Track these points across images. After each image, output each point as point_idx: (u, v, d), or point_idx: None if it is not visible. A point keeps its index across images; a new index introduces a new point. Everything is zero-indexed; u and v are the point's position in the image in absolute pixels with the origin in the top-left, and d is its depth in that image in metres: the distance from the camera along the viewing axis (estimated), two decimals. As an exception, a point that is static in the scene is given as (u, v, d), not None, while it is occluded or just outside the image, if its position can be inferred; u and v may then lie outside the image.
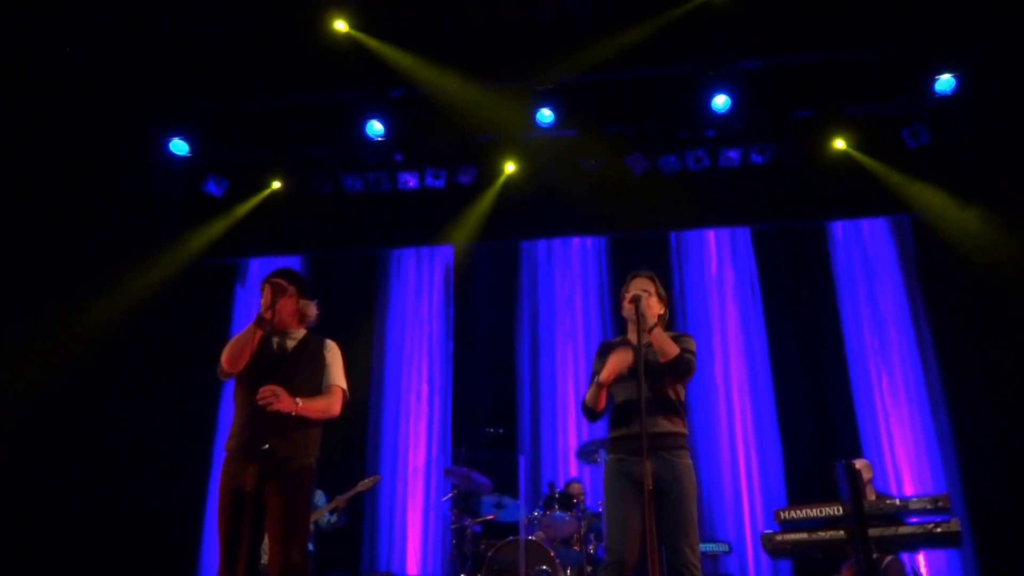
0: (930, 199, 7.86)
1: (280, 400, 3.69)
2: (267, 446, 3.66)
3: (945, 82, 7.30)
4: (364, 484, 6.67)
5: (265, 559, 5.82)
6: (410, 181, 8.30)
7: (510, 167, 8.34)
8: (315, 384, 3.94)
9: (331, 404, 3.92)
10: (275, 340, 3.95)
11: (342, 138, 8.00)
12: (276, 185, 8.45)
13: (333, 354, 4.05)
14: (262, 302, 3.92)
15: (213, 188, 8.27)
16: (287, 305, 3.98)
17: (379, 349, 8.47)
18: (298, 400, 3.76)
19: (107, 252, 7.98)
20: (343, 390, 4.01)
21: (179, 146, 7.96)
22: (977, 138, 7.69)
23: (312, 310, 4.11)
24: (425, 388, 8.46)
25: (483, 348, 8.49)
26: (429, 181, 8.29)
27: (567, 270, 8.70)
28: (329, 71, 7.53)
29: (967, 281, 7.71)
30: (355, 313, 8.28)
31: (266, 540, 5.02)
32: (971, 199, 7.72)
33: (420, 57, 7.43)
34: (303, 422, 3.80)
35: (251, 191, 8.42)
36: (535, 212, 8.44)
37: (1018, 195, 7.47)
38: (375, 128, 7.80)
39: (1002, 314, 7.50)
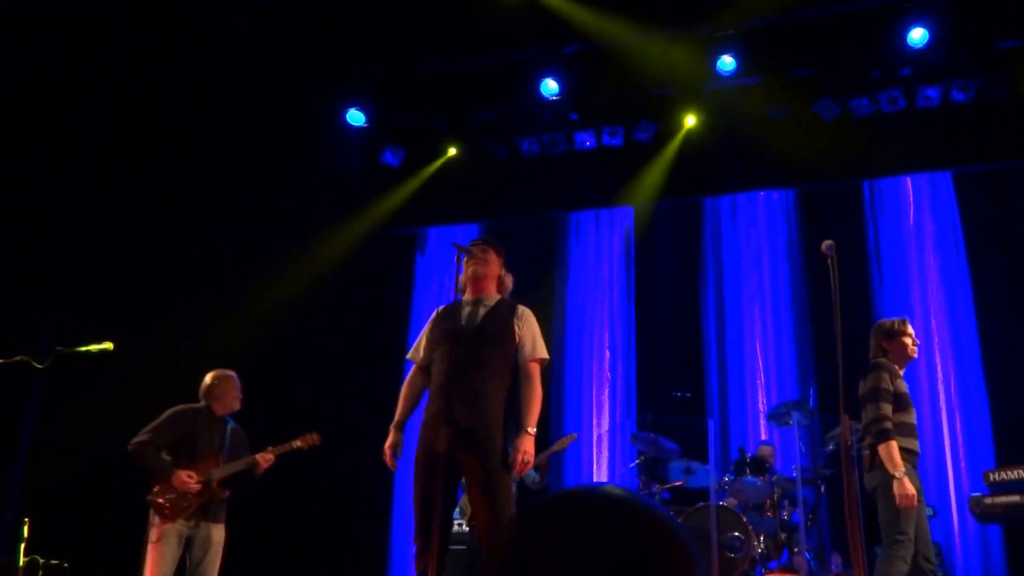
0: None
1: (530, 455, 4.00)
2: (455, 415, 3.90)
3: None
4: (561, 443, 6.96)
5: (458, 525, 6.40)
6: (587, 141, 8.56)
7: (690, 120, 8.44)
8: (504, 355, 4.11)
9: (535, 390, 4.13)
10: (467, 308, 4.19)
11: (516, 100, 8.36)
12: (452, 152, 8.89)
13: (527, 323, 4.20)
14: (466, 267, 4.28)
15: (390, 158, 8.80)
16: (491, 269, 4.25)
17: (560, 315, 8.83)
18: (528, 429, 4.03)
19: (289, 226, 8.63)
20: (539, 361, 4.19)
21: (356, 117, 8.49)
22: None
23: (510, 282, 4.37)
24: (607, 354, 8.78)
25: (666, 311, 8.72)
26: (606, 140, 8.52)
27: (753, 226, 8.79)
28: (501, 30, 7.82)
29: None
30: (535, 279, 8.48)
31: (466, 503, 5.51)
32: None
33: (594, 9, 7.61)
34: (495, 391, 4.03)
35: (427, 159, 8.90)
36: (718, 167, 8.55)
37: None
38: (550, 87, 8.06)
39: None
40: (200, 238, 8.47)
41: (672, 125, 8.51)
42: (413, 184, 8.90)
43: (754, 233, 8.76)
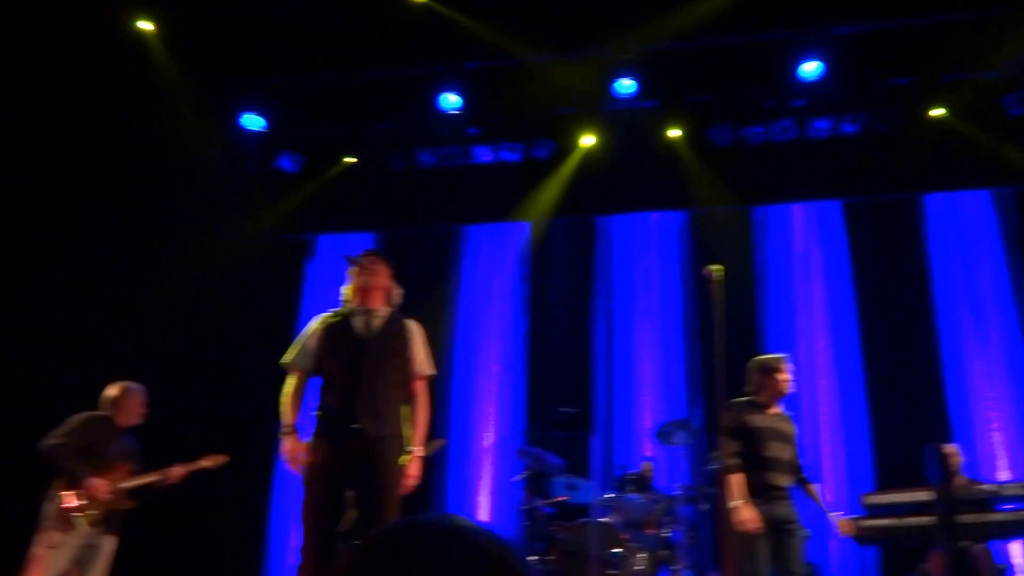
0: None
1: (417, 479, 4.11)
2: (359, 425, 3.93)
3: (1052, 46, 7.35)
4: (427, 448, 6.95)
5: None
6: (485, 155, 8.73)
7: (588, 140, 8.65)
8: (402, 366, 4.19)
9: (424, 408, 4.28)
10: (360, 319, 4.21)
11: (416, 112, 8.42)
12: (349, 161, 8.94)
13: (417, 337, 4.31)
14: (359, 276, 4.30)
15: (287, 164, 8.82)
16: (380, 280, 4.30)
17: (450, 327, 8.87)
18: (414, 449, 4.13)
19: (179, 229, 8.53)
20: (427, 378, 4.32)
21: (253, 121, 8.48)
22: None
23: (398, 295, 4.42)
24: (497, 367, 8.88)
25: (558, 327, 8.87)
26: (504, 155, 8.71)
27: (646, 247, 9.00)
28: (404, 43, 7.92)
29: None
30: (427, 291, 8.58)
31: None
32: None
33: (496, 26, 7.73)
34: (395, 402, 4.09)
35: (325, 166, 8.93)
36: (613, 187, 8.76)
37: None
38: (450, 101, 8.18)
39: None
40: (87, 239, 8.34)
41: (570, 144, 8.71)
42: (308, 190, 8.89)
43: (647, 253, 8.99)
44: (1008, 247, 8.23)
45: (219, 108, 8.36)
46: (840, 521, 5.02)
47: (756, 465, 4.84)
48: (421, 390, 4.28)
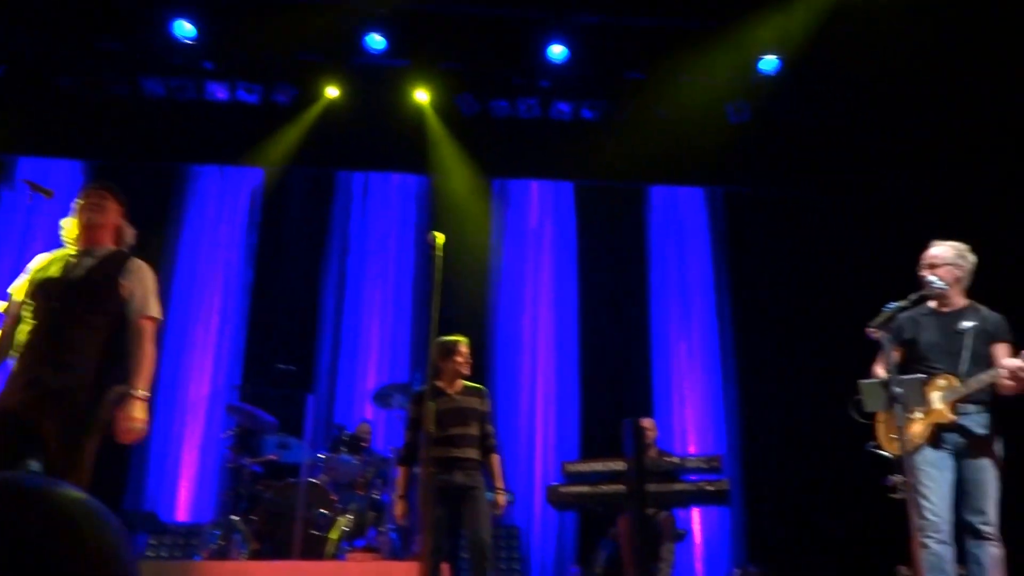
0: (744, 174, 8.64)
1: (139, 422, 3.74)
2: (39, 376, 3.61)
3: (768, 62, 8.03)
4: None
5: None
6: (219, 92, 8.21)
7: (333, 91, 8.40)
8: (104, 310, 3.81)
9: (146, 348, 3.88)
10: (72, 260, 3.85)
11: (144, 35, 7.79)
12: (61, 78, 8.07)
13: (137, 277, 3.92)
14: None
15: (-18, 72, 7.79)
16: (108, 218, 3.93)
17: (166, 272, 8.29)
18: (137, 391, 3.76)
19: None
20: (150, 319, 3.92)
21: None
22: (796, 118, 8.48)
23: (131, 235, 4.07)
24: (216, 318, 8.47)
25: (286, 281, 8.60)
26: (241, 95, 8.25)
27: (384, 207, 8.94)
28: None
29: (772, 258, 8.57)
30: (142, 230, 7.98)
31: None
32: (787, 177, 8.55)
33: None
34: (85, 351, 3.73)
35: (31, 81, 8.01)
36: (356, 142, 8.57)
37: (832, 176, 8.37)
38: (184, 29, 7.67)
39: (799, 293, 8.39)
40: None
41: (313, 92, 8.43)
42: (9, 105, 7.91)
43: (385, 214, 8.94)
44: (715, 242, 8.97)
45: None
46: (497, 496, 5.23)
47: (439, 443, 4.95)
48: (142, 331, 3.88)
